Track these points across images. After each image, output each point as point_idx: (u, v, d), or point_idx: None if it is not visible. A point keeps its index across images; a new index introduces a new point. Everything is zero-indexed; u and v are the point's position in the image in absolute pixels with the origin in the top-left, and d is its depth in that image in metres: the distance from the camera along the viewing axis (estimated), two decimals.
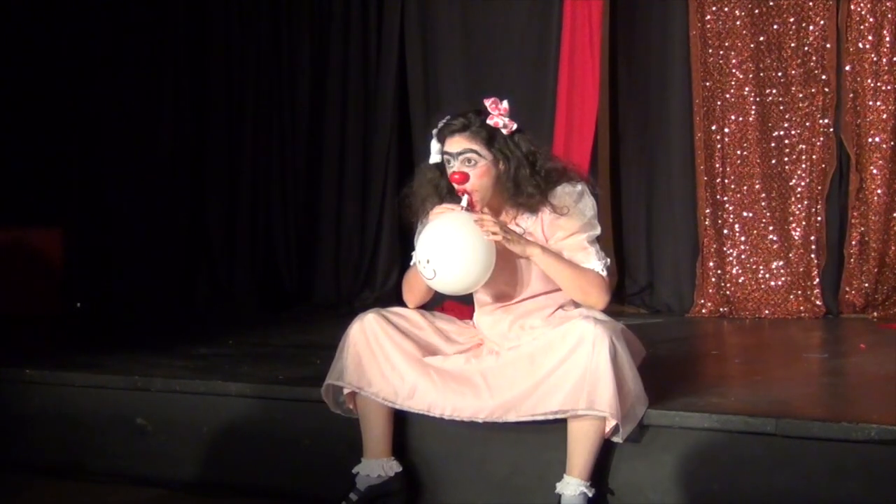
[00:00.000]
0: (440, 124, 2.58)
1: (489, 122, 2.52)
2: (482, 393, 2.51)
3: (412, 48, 5.79)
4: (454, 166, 2.52)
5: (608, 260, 2.57)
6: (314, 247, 6.00)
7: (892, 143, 4.89)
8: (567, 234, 2.54)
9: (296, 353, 3.92)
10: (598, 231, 2.57)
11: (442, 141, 2.56)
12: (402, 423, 2.69)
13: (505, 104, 2.54)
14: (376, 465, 2.63)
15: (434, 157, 2.61)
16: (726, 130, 5.13)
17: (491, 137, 2.51)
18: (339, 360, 2.64)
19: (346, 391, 2.67)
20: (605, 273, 2.54)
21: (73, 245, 5.99)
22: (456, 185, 2.52)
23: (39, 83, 6.16)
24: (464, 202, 2.52)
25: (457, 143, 2.52)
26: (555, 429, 2.46)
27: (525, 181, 2.51)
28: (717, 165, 5.14)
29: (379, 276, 5.78)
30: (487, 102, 2.54)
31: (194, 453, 3.03)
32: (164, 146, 6.26)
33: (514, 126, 2.54)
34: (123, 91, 6.26)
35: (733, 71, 5.11)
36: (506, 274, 2.59)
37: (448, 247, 2.48)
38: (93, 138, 6.33)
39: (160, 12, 6.27)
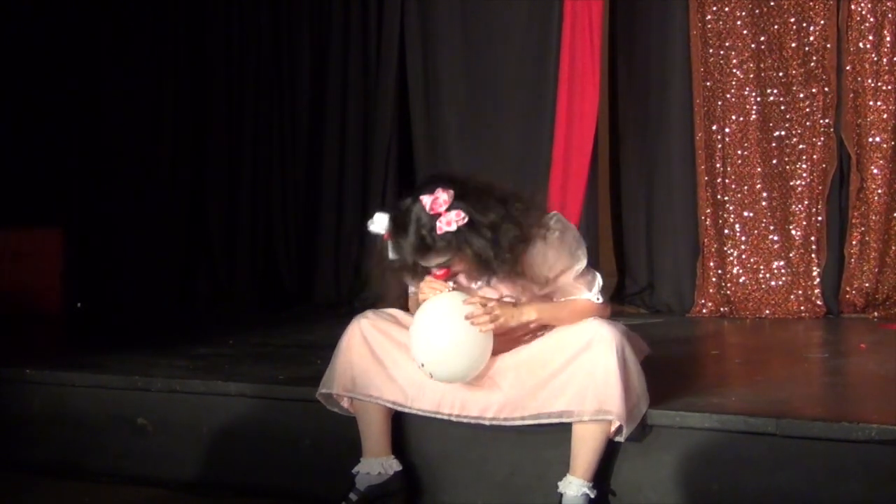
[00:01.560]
0: (385, 225, 2.44)
1: (439, 232, 2.35)
2: (488, 390, 2.51)
3: (412, 48, 5.78)
4: (433, 269, 2.45)
5: (600, 281, 2.55)
6: (314, 247, 6.00)
7: (893, 142, 4.89)
8: (555, 274, 2.50)
9: (296, 353, 3.92)
10: (583, 261, 2.51)
11: (402, 254, 2.43)
12: (400, 422, 2.69)
13: (443, 196, 2.36)
14: (376, 464, 2.63)
15: (393, 256, 2.46)
16: (727, 130, 5.12)
17: (450, 240, 2.36)
18: (333, 367, 2.64)
19: (344, 403, 2.68)
20: (600, 299, 2.53)
21: (73, 245, 5.98)
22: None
23: (39, 83, 6.16)
24: (451, 285, 2.49)
25: (426, 262, 2.43)
26: (556, 428, 2.46)
27: (500, 253, 2.39)
28: (718, 165, 5.13)
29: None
30: (426, 202, 2.36)
31: (194, 453, 3.03)
32: (164, 146, 6.25)
33: (463, 217, 2.35)
34: (123, 91, 6.26)
35: (734, 71, 5.10)
36: (500, 333, 2.54)
37: (442, 348, 2.45)
38: (93, 138, 6.32)
39: (160, 12, 6.26)
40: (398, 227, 2.42)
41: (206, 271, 6.21)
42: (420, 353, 2.47)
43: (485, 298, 2.46)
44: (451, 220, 2.35)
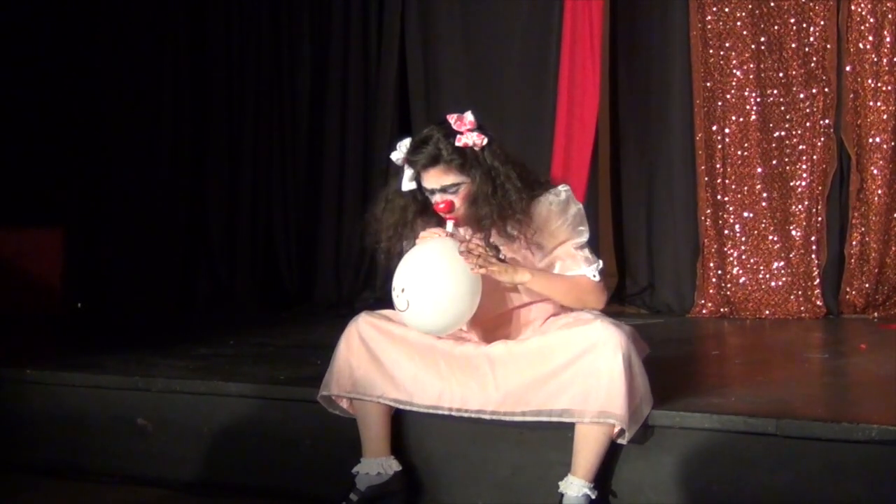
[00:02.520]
0: (407, 151, 2.49)
1: (458, 143, 2.42)
2: (488, 382, 2.50)
3: (412, 48, 5.79)
4: (436, 196, 2.47)
5: (600, 262, 2.54)
6: (314, 247, 6.00)
7: (893, 143, 4.89)
8: (555, 243, 2.51)
9: (296, 353, 3.92)
10: (585, 237, 2.53)
11: (416, 171, 2.48)
12: (400, 422, 2.69)
13: (469, 117, 2.46)
14: (376, 464, 2.63)
15: (407, 185, 2.52)
16: (727, 131, 5.12)
17: (464, 160, 2.42)
18: (332, 370, 2.64)
19: (343, 403, 2.68)
20: (597, 277, 2.51)
21: (73, 245, 5.99)
22: (442, 215, 2.48)
23: (40, 83, 6.16)
24: (449, 227, 2.48)
25: (433, 178, 2.45)
26: (556, 428, 2.46)
27: (503, 195, 2.43)
28: (718, 166, 5.14)
29: (379, 276, 5.77)
30: (451, 119, 2.45)
31: (194, 453, 3.03)
32: (164, 146, 6.26)
33: (484, 140, 2.45)
34: (124, 91, 6.27)
35: (734, 71, 5.11)
36: (489, 294, 2.54)
37: (426, 277, 2.40)
38: (93, 138, 6.33)
39: (160, 12, 6.27)
40: (418, 142, 2.47)
41: (206, 271, 6.22)
42: (401, 277, 2.42)
43: (483, 245, 2.47)
44: (470, 139, 2.43)
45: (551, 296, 2.52)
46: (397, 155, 2.53)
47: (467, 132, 2.44)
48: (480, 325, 2.63)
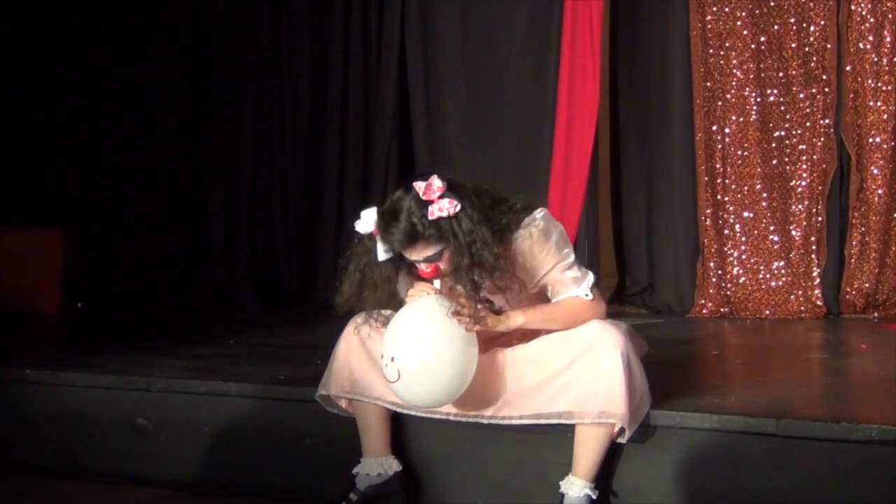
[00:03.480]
0: (379, 225, 2.39)
1: (430, 217, 2.33)
2: (487, 387, 2.50)
3: (413, 48, 5.79)
4: (421, 265, 2.41)
5: (591, 277, 2.51)
6: (314, 247, 5.99)
7: (893, 143, 4.89)
8: (543, 271, 2.48)
9: (296, 353, 3.92)
10: (571, 257, 2.49)
11: (392, 248, 2.40)
12: (400, 422, 2.69)
13: (437, 183, 2.35)
14: (376, 464, 2.63)
15: (383, 256, 2.42)
16: (727, 131, 5.12)
17: (440, 231, 2.35)
18: (331, 370, 2.64)
19: (342, 403, 2.68)
20: (590, 295, 2.48)
21: (73, 245, 5.98)
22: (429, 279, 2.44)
23: (40, 83, 6.16)
24: (437, 284, 2.43)
25: (415, 253, 2.39)
26: (557, 428, 2.46)
27: (483, 261, 2.36)
28: (718, 166, 5.13)
29: None
30: (419, 189, 2.35)
31: (194, 453, 3.03)
32: (164, 146, 6.26)
33: (457, 206, 2.34)
34: (124, 91, 6.26)
35: (734, 71, 5.11)
36: (486, 339, 2.52)
37: (417, 344, 2.32)
38: (93, 138, 6.33)
39: (160, 12, 6.27)
40: (389, 215, 2.38)
41: (206, 271, 6.22)
42: (392, 346, 2.36)
43: (472, 301, 2.42)
44: (443, 207, 2.34)
45: (549, 327, 2.49)
46: (364, 227, 2.43)
47: (437, 200, 2.35)
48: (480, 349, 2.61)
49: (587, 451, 2.41)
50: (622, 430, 2.39)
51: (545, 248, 2.46)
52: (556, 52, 5.23)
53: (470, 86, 5.65)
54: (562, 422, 2.41)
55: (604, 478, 2.48)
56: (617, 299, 5.42)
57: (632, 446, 2.47)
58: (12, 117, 6.05)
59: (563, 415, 2.40)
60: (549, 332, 2.53)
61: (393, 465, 2.66)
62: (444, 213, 2.34)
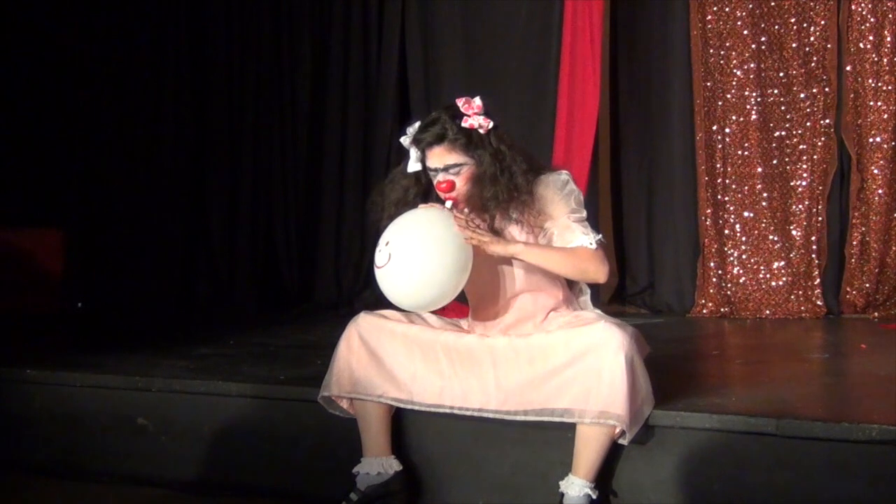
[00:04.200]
0: (414, 131, 2.53)
1: (464, 124, 2.47)
2: (489, 379, 2.50)
3: (413, 47, 5.79)
4: (438, 176, 2.49)
5: (600, 235, 2.52)
6: (315, 246, 6.00)
7: (893, 143, 4.89)
8: (555, 217, 2.51)
9: (296, 353, 3.92)
10: (583, 214, 2.53)
11: (421, 151, 2.51)
12: (401, 422, 2.69)
13: (478, 101, 2.51)
14: (376, 464, 2.63)
15: (413, 166, 2.55)
16: (727, 130, 5.12)
17: (469, 141, 2.46)
18: (332, 371, 2.64)
19: (343, 404, 2.68)
20: (595, 246, 2.48)
21: (73, 245, 5.99)
22: (442, 194, 2.49)
23: (40, 83, 6.16)
24: (448, 205, 2.48)
25: (437, 157, 2.48)
26: (557, 428, 2.46)
27: (509, 177, 2.45)
28: (718, 165, 5.14)
29: None
30: (460, 102, 2.50)
31: (194, 453, 3.03)
32: (164, 146, 6.26)
33: (490, 124, 2.49)
34: (124, 91, 6.26)
35: (734, 71, 5.11)
36: (486, 278, 2.55)
37: (415, 235, 2.37)
38: (93, 138, 6.33)
39: (160, 12, 6.27)
40: (426, 123, 2.50)
41: (206, 271, 6.22)
42: (390, 232, 2.40)
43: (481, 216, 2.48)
44: (477, 121, 2.47)
45: (547, 267, 2.48)
46: (406, 139, 2.56)
47: (474, 115, 2.48)
48: (479, 315, 2.62)
49: (587, 450, 2.41)
50: (623, 432, 2.39)
51: (561, 195, 2.50)
52: (557, 51, 5.23)
53: (470, 86, 5.63)
54: (563, 419, 2.41)
55: (604, 478, 2.48)
56: (617, 299, 5.43)
57: (632, 446, 2.47)
58: (12, 117, 6.05)
59: (566, 412, 2.40)
60: (544, 329, 2.54)
61: (393, 465, 2.66)
62: (477, 125, 2.46)
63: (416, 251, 2.37)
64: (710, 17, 5.14)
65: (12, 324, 5.01)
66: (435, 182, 2.50)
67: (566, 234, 2.50)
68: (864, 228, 4.94)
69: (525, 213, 2.49)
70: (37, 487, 3.05)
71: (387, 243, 2.38)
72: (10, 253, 5.50)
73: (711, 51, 5.14)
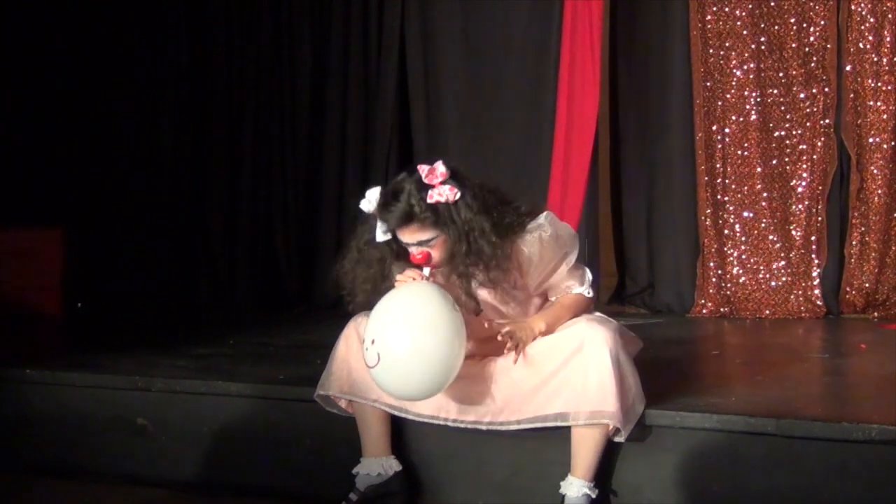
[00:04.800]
0: (378, 205, 2.46)
1: (430, 200, 2.37)
2: (485, 395, 2.50)
3: (413, 48, 5.78)
4: (412, 248, 2.43)
5: (590, 275, 2.56)
6: (315, 246, 5.99)
7: (893, 143, 4.89)
8: (549, 273, 2.50)
9: (296, 353, 3.92)
10: (576, 251, 2.52)
11: (388, 227, 2.45)
12: (400, 422, 2.69)
13: (441, 168, 2.40)
14: (376, 464, 2.63)
15: (381, 237, 2.48)
16: (727, 130, 5.12)
17: (437, 216, 2.38)
18: (330, 370, 2.64)
19: (342, 403, 2.68)
20: (590, 293, 2.55)
21: (73, 245, 5.97)
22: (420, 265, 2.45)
23: (40, 83, 6.16)
24: (426, 272, 2.42)
25: (409, 235, 2.41)
26: (556, 428, 2.45)
27: (478, 252, 2.38)
28: (718, 165, 5.13)
29: None
30: (423, 172, 2.41)
31: (194, 453, 3.03)
32: (164, 146, 6.25)
33: (457, 194, 2.38)
34: (124, 91, 6.25)
35: (734, 71, 5.10)
36: (476, 339, 2.53)
37: (401, 327, 2.26)
38: (93, 138, 6.32)
39: (160, 12, 6.26)
40: (390, 194, 2.43)
41: (206, 271, 6.21)
42: (374, 328, 2.32)
43: (498, 324, 2.45)
44: (443, 193, 2.37)
45: (557, 325, 2.51)
46: (367, 205, 2.49)
47: (439, 185, 2.38)
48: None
49: (584, 451, 2.42)
50: (618, 429, 2.39)
51: (553, 251, 2.48)
52: (556, 51, 5.23)
53: (470, 86, 5.64)
54: (557, 423, 2.42)
55: (603, 478, 2.48)
56: (617, 299, 5.42)
57: (631, 446, 2.47)
58: (12, 117, 6.05)
59: (559, 416, 2.41)
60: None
61: (393, 466, 2.66)
62: (443, 199, 2.37)
63: (406, 347, 2.28)
64: (709, 17, 5.13)
65: (12, 324, 5.01)
66: (410, 252, 2.44)
67: (563, 286, 2.54)
68: (863, 228, 4.94)
69: (503, 277, 2.44)
70: (37, 487, 3.05)
71: (373, 341, 2.30)
72: (10, 253, 5.49)
73: (711, 51, 5.13)
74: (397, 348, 2.28)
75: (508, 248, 2.43)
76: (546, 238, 2.46)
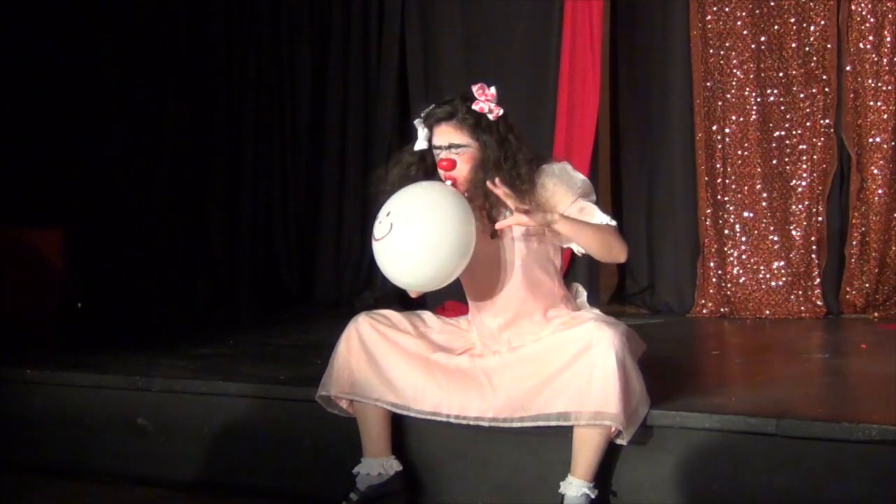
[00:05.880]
0: (426, 110, 2.55)
1: (475, 107, 2.48)
2: (486, 391, 2.50)
3: (413, 47, 5.78)
4: (442, 154, 2.49)
5: (614, 221, 2.57)
6: (315, 247, 6.00)
7: (893, 143, 4.89)
8: (566, 205, 2.51)
9: (296, 353, 3.92)
10: (593, 194, 2.56)
11: (429, 128, 2.53)
12: (401, 422, 2.69)
13: (492, 90, 2.52)
14: (376, 464, 2.63)
15: (420, 144, 2.56)
16: (727, 130, 5.12)
17: (477, 124, 2.48)
18: (331, 370, 2.64)
19: (343, 403, 2.68)
20: (613, 221, 2.55)
21: (73, 245, 5.98)
22: (443, 173, 2.49)
23: (40, 83, 6.16)
24: (448, 185, 2.47)
25: (443, 135, 2.49)
26: (556, 428, 2.45)
27: (513, 165, 2.46)
28: (718, 165, 5.13)
29: (379, 275, 5.70)
30: (475, 88, 2.52)
31: (194, 453, 3.03)
32: (164, 146, 6.25)
33: (500, 111, 2.50)
34: (124, 90, 6.26)
35: (734, 71, 5.11)
36: (485, 272, 2.54)
37: (419, 205, 2.33)
38: (93, 138, 6.32)
39: (161, 12, 6.26)
40: (440, 102, 2.52)
41: (206, 271, 6.21)
42: (393, 201, 2.37)
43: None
44: (488, 105, 2.49)
45: (579, 239, 2.47)
46: (418, 119, 2.57)
47: (486, 101, 2.49)
48: (479, 312, 2.62)
49: (585, 451, 2.42)
50: (620, 431, 2.39)
51: (568, 183, 2.52)
52: (557, 52, 5.23)
53: (470, 85, 5.63)
54: (559, 423, 2.41)
55: (603, 478, 2.48)
56: (617, 299, 5.43)
57: (632, 446, 2.47)
58: (12, 117, 6.05)
59: (561, 416, 2.41)
60: (538, 335, 2.53)
61: (393, 466, 2.66)
62: (486, 111, 2.48)
63: (420, 222, 2.32)
64: (709, 17, 5.14)
65: (12, 324, 5.01)
66: (437, 160, 2.50)
67: (583, 214, 2.51)
68: (863, 228, 4.94)
69: (529, 191, 2.46)
70: (37, 487, 3.05)
71: (388, 213, 2.34)
72: (10, 253, 5.49)
73: (711, 51, 5.14)
74: (411, 221, 2.31)
75: (535, 176, 2.49)
76: (563, 172, 2.53)
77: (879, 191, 4.91)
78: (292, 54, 6.09)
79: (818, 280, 4.95)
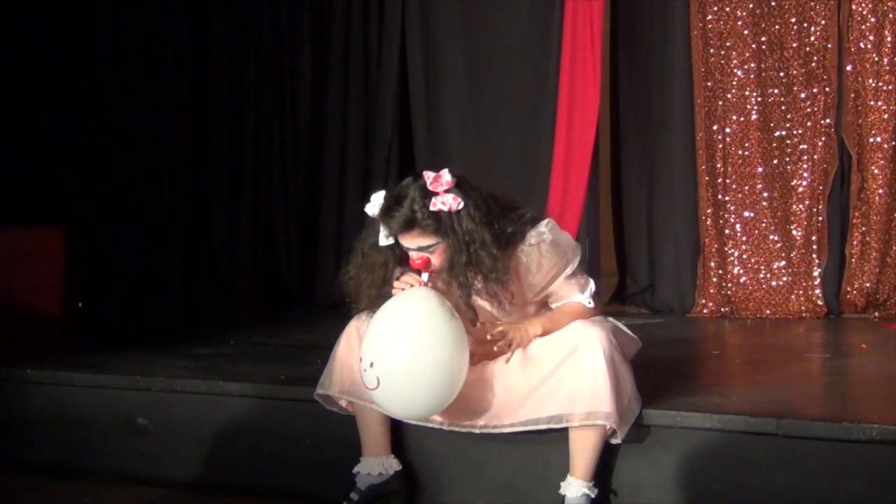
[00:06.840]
0: (382, 210, 2.43)
1: (433, 208, 2.35)
2: (480, 398, 2.50)
3: (413, 47, 5.78)
4: (412, 254, 2.42)
5: (592, 284, 2.53)
6: (314, 247, 5.99)
7: (894, 142, 4.89)
8: (549, 282, 2.49)
9: (296, 353, 3.92)
10: (577, 258, 2.51)
11: (392, 235, 2.44)
12: (400, 422, 2.68)
13: (446, 177, 2.39)
14: (376, 464, 2.63)
15: (384, 241, 2.46)
16: (728, 130, 5.12)
17: (439, 224, 2.36)
18: (331, 369, 2.64)
19: (342, 402, 2.68)
20: (591, 303, 2.51)
21: (74, 245, 5.98)
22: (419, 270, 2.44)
23: (40, 83, 6.16)
24: (425, 277, 2.41)
25: (411, 240, 2.40)
26: (552, 430, 2.45)
27: (481, 261, 2.37)
28: (719, 165, 5.13)
29: None
30: (428, 178, 2.39)
31: (194, 453, 3.03)
32: (165, 145, 6.25)
33: (460, 203, 2.36)
34: (124, 90, 6.26)
35: (735, 71, 5.10)
36: (480, 350, 2.52)
37: (399, 347, 2.23)
38: (93, 138, 6.32)
39: (160, 12, 6.26)
40: (393, 199, 2.41)
41: (206, 271, 6.21)
42: (371, 349, 2.29)
43: (491, 324, 2.45)
44: (446, 201, 2.37)
45: (556, 329, 2.49)
46: (371, 209, 2.48)
47: (443, 193, 2.37)
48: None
49: (581, 451, 2.42)
50: (614, 430, 2.39)
51: (554, 260, 2.47)
52: (557, 51, 5.23)
53: (470, 86, 5.64)
54: (551, 426, 2.41)
55: (604, 477, 2.48)
56: (617, 299, 5.42)
57: (631, 446, 2.47)
58: (12, 117, 6.05)
59: (553, 419, 2.41)
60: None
61: (393, 465, 2.66)
62: (446, 207, 2.36)
63: (406, 369, 2.26)
64: (710, 17, 5.13)
65: (12, 324, 5.01)
66: (410, 257, 2.43)
67: (563, 293, 2.51)
68: (864, 228, 4.94)
69: (501, 289, 2.42)
70: (37, 487, 3.05)
71: (371, 364, 2.28)
72: (10, 253, 5.49)
73: (712, 50, 5.13)
74: (397, 371, 2.26)
75: (508, 261, 2.43)
76: (545, 247, 2.45)
77: (880, 190, 4.90)
78: (292, 54, 6.09)
79: (819, 280, 4.95)
